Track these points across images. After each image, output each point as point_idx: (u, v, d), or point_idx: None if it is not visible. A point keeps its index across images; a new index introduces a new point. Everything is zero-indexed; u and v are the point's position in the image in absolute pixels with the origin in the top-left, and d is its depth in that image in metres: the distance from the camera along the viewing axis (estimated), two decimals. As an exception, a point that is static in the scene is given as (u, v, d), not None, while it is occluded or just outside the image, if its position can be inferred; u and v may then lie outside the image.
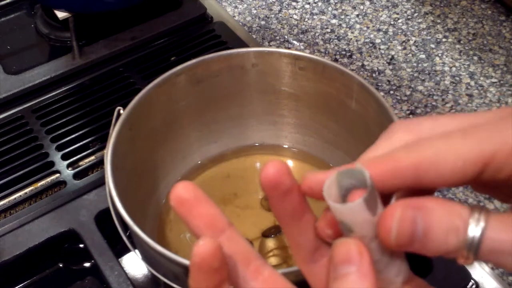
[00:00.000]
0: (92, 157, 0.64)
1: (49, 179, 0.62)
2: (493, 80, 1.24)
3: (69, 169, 0.62)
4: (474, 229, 0.20)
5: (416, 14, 0.97)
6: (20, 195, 0.61)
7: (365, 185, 0.22)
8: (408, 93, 1.10)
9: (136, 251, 0.47)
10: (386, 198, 0.24)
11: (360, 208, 0.21)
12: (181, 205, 0.22)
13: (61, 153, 0.64)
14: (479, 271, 0.53)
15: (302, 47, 0.84)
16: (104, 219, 0.55)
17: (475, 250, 0.20)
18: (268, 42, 0.84)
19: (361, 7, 0.94)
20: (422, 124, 0.24)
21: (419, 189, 0.23)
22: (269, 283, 0.22)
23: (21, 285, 0.57)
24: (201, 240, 0.21)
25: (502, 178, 0.21)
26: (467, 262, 0.21)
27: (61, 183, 0.61)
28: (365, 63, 0.85)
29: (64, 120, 0.68)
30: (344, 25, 0.89)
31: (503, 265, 0.21)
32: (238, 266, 0.22)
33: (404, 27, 0.93)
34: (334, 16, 0.91)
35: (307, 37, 0.86)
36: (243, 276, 0.22)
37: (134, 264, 0.57)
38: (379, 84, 0.94)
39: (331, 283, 0.22)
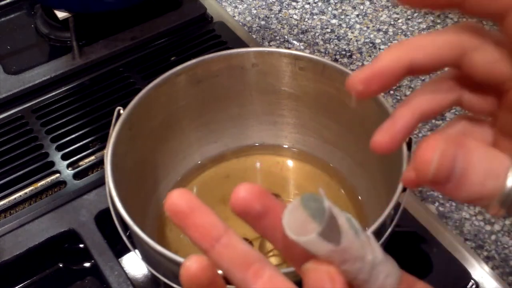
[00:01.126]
0: (92, 157, 0.64)
1: (49, 179, 0.62)
2: (493, 80, 1.24)
3: (69, 169, 0.62)
4: (511, 183, 0.19)
5: (416, 14, 0.97)
6: (20, 195, 0.61)
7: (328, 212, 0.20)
8: (408, 93, 1.10)
9: (136, 251, 0.47)
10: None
11: (317, 241, 0.20)
12: (176, 215, 0.22)
13: (61, 153, 0.64)
14: (479, 271, 0.53)
15: (302, 47, 0.84)
16: (104, 219, 0.55)
17: (509, 206, 0.20)
18: (268, 42, 0.84)
19: (361, 7, 0.94)
20: None
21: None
22: (268, 284, 0.22)
23: (21, 285, 0.57)
24: (187, 260, 0.21)
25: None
26: (498, 213, 0.20)
27: (61, 183, 0.61)
28: (365, 63, 0.85)
29: (64, 120, 0.68)
30: (344, 25, 0.89)
31: None
32: (237, 272, 0.22)
33: (404, 27, 0.93)
34: (334, 16, 0.91)
35: (307, 37, 0.86)
36: (243, 281, 0.22)
37: (134, 264, 0.57)
38: (379, 84, 0.94)
39: None
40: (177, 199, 0.23)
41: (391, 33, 0.92)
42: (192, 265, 0.21)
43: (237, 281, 0.22)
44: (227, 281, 0.23)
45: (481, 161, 0.20)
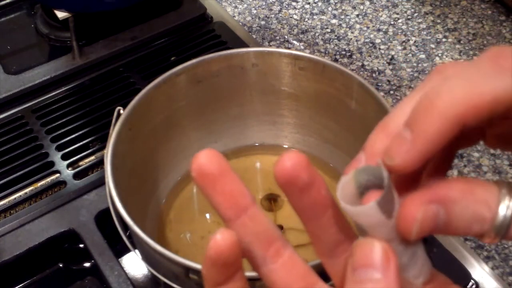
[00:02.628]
0: (92, 157, 0.64)
1: (49, 179, 0.62)
2: (493, 80, 1.24)
3: (69, 169, 0.62)
4: (504, 212, 0.20)
5: (416, 14, 0.97)
6: (20, 195, 0.60)
7: (382, 182, 0.20)
8: (408, 93, 1.10)
9: (136, 251, 0.47)
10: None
11: (373, 211, 0.20)
12: (203, 178, 0.20)
13: (61, 153, 0.64)
14: (479, 271, 0.53)
15: (302, 47, 0.84)
16: (104, 219, 0.55)
17: (503, 234, 0.20)
18: (268, 42, 0.84)
19: (361, 7, 0.94)
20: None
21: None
22: (288, 266, 0.21)
23: (21, 285, 0.57)
24: (218, 233, 0.20)
25: None
26: (493, 242, 0.20)
27: (61, 183, 0.61)
28: (365, 63, 0.85)
29: (64, 120, 0.68)
30: (344, 25, 0.89)
31: None
32: (258, 248, 0.21)
33: (404, 27, 0.93)
34: (334, 16, 0.91)
35: (307, 37, 0.86)
36: (263, 258, 0.21)
37: (134, 264, 0.57)
38: (379, 84, 0.94)
39: (349, 286, 0.20)
40: (206, 160, 0.20)
41: (391, 33, 0.92)
42: (222, 240, 0.19)
43: (256, 257, 0.21)
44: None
45: (464, 211, 0.20)
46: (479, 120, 0.19)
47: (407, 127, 0.20)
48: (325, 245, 0.22)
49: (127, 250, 0.56)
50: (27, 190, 0.61)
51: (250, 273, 0.22)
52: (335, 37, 0.87)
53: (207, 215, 0.57)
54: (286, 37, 0.85)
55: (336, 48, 0.85)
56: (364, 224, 0.21)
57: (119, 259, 0.55)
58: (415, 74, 1.19)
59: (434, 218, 0.20)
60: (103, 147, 0.64)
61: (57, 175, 0.62)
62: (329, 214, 0.21)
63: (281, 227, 0.55)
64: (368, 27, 0.91)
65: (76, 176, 0.61)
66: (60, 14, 0.74)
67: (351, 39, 0.87)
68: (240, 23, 0.86)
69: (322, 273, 0.23)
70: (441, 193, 0.20)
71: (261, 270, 0.21)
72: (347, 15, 0.92)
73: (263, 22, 0.87)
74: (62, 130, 0.66)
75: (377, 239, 0.20)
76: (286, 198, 0.21)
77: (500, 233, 0.20)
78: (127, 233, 0.47)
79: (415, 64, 1.14)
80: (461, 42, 1.28)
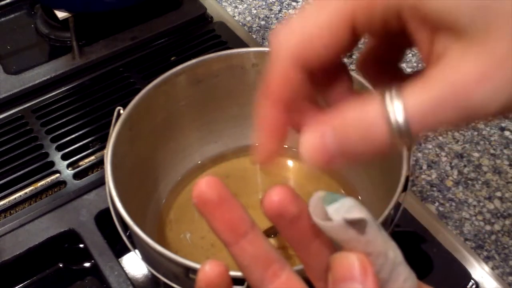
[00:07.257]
0: (92, 157, 0.64)
1: (49, 179, 0.62)
2: (493, 80, 1.23)
3: (69, 169, 0.62)
4: (395, 113, 0.19)
5: (416, 14, 0.97)
6: (20, 195, 0.60)
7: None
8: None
9: (136, 251, 0.47)
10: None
11: (343, 228, 0.21)
12: (204, 205, 0.21)
13: (61, 153, 0.64)
14: (479, 271, 0.53)
15: (302, 47, 0.84)
16: (104, 219, 0.55)
17: (408, 133, 0.19)
18: (268, 42, 0.84)
19: (361, 7, 0.94)
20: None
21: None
22: (285, 286, 0.22)
23: (21, 285, 0.57)
24: (206, 265, 0.21)
25: (378, 27, 0.21)
26: (407, 146, 0.20)
27: (61, 183, 0.61)
28: (365, 63, 0.85)
29: (64, 120, 0.68)
30: (344, 25, 0.90)
31: (445, 126, 0.19)
32: (256, 270, 0.22)
33: (404, 27, 0.94)
34: (334, 16, 0.91)
35: (307, 37, 0.86)
36: (261, 280, 0.22)
37: (134, 264, 0.57)
38: (379, 84, 0.94)
39: None
40: (207, 188, 0.21)
41: (391, 33, 0.92)
42: (210, 271, 0.21)
43: (254, 279, 0.22)
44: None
45: (356, 124, 0.21)
46: (316, 62, 0.22)
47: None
48: (316, 271, 0.23)
49: (127, 250, 0.56)
50: (27, 190, 0.61)
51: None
52: (335, 37, 0.87)
53: (207, 215, 0.57)
54: (286, 37, 0.85)
55: (336, 48, 0.85)
56: (337, 239, 0.21)
57: (119, 259, 0.55)
58: (415, 74, 1.19)
59: (324, 144, 0.22)
60: (103, 147, 0.64)
61: (57, 175, 0.62)
62: (318, 242, 0.22)
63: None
64: (368, 27, 0.91)
65: (76, 176, 0.61)
66: (60, 14, 0.74)
67: (351, 39, 0.87)
68: (240, 23, 0.86)
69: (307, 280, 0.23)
70: (328, 120, 0.22)
71: None
72: (347, 15, 0.92)
73: (263, 22, 0.87)
74: (62, 130, 0.66)
75: (355, 253, 0.21)
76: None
77: (404, 138, 0.19)
78: (127, 233, 0.47)
79: (415, 64, 1.14)
80: (461, 42, 1.28)
